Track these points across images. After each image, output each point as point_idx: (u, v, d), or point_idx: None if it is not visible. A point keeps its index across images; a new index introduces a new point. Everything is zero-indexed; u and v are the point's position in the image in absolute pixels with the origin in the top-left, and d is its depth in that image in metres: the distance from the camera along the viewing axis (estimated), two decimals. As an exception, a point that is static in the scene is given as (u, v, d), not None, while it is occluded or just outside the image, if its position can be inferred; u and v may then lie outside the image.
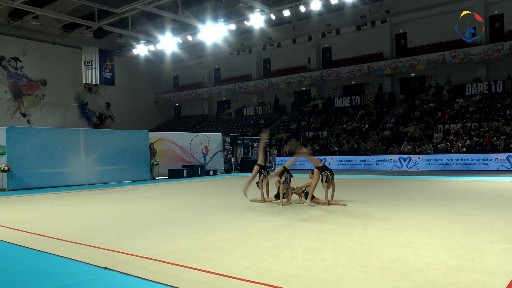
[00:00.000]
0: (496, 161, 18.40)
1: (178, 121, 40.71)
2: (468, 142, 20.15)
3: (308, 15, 28.50)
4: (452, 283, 3.65)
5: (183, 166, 20.17)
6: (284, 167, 8.93)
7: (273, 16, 26.66)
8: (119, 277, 4.11)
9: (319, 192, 8.79)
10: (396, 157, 21.15)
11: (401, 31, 28.85)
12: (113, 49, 35.31)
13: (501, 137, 19.75)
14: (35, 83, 32.41)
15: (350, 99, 29.79)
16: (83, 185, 15.92)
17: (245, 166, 22.11)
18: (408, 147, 21.50)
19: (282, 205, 8.57)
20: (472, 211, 7.47)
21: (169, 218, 7.66)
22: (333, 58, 31.85)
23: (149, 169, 18.34)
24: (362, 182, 14.68)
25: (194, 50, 36.53)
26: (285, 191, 8.76)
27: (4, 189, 14.12)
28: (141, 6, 25.79)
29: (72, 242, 5.68)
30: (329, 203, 8.45)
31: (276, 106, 34.14)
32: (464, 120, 22.36)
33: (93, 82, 33.83)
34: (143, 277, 4.04)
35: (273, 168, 24.36)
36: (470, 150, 19.75)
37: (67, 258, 4.85)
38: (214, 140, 22.31)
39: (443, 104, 25.01)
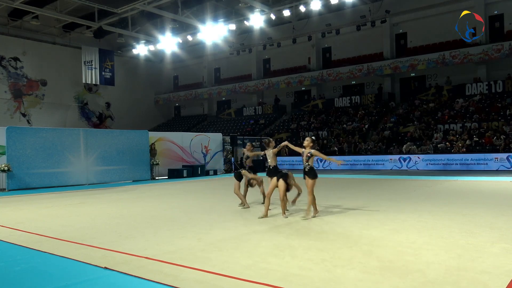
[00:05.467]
0: (496, 161, 18.40)
1: (178, 121, 40.71)
2: (468, 142, 20.15)
3: (308, 15, 28.50)
4: (452, 283, 3.65)
5: (183, 166, 20.17)
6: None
7: (273, 16, 26.65)
8: (119, 277, 4.11)
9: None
10: (396, 157, 21.14)
11: (401, 31, 28.84)
12: (113, 49, 35.30)
13: (501, 137, 19.74)
14: (35, 83, 32.41)
15: (350, 99, 29.78)
16: (83, 185, 15.91)
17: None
18: (414, 146, 21.40)
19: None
20: (472, 211, 7.47)
21: (169, 218, 7.66)
22: (333, 58, 31.84)
23: (149, 169, 18.35)
24: (362, 182, 14.68)
25: (194, 50, 36.52)
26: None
27: (4, 189, 14.12)
28: (141, 6, 25.78)
29: (72, 242, 5.68)
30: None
31: (276, 106, 34.12)
32: (464, 120, 22.36)
33: (93, 82, 33.79)
34: (143, 277, 4.04)
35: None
36: (470, 150, 19.74)
37: (67, 258, 4.85)
38: (214, 140, 22.31)
39: (443, 104, 25.01)
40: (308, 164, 7.18)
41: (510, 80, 23.57)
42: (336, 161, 7.48)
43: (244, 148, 9.42)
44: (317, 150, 7.33)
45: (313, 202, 7.25)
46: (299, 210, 8.21)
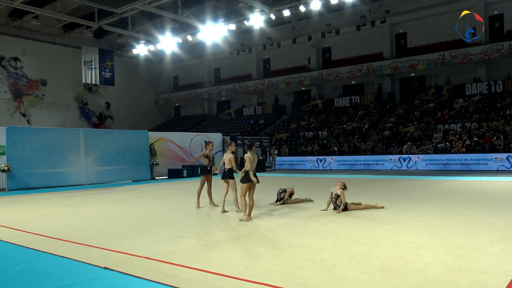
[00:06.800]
0: (496, 161, 18.40)
1: (178, 121, 40.72)
2: (468, 142, 20.15)
3: (308, 15, 28.50)
4: (452, 283, 3.66)
5: (183, 166, 20.16)
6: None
7: (273, 16, 26.64)
8: (119, 277, 4.11)
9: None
10: (396, 157, 21.14)
11: (401, 31, 28.84)
12: (113, 49, 35.30)
13: (501, 137, 19.75)
14: (35, 83, 32.40)
15: (350, 99, 29.78)
16: (83, 185, 15.91)
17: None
18: (414, 147, 21.36)
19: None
20: (472, 211, 7.47)
21: (169, 218, 7.66)
22: (333, 58, 31.84)
23: (149, 169, 18.34)
24: (362, 182, 14.68)
25: (194, 50, 36.53)
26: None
27: (4, 189, 14.12)
28: (141, 6, 25.78)
29: (72, 242, 5.68)
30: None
31: (276, 106, 34.13)
32: (464, 120, 22.36)
33: (93, 82, 33.82)
34: (143, 277, 4.04)
35: (273, 168, 24.39)
36: (470, 150, 19.75)
37: (67, 258, 4.85)
38: (214, 140, 22.21)
39: (443, 104, 25.01)
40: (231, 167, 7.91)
41: (510, 80, 23.57)
42: (239, 171, 7.53)
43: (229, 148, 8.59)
44: (233, 154, 8.00)
45: (219, 199, 7.75)
46: (296, 210, 8.22)
